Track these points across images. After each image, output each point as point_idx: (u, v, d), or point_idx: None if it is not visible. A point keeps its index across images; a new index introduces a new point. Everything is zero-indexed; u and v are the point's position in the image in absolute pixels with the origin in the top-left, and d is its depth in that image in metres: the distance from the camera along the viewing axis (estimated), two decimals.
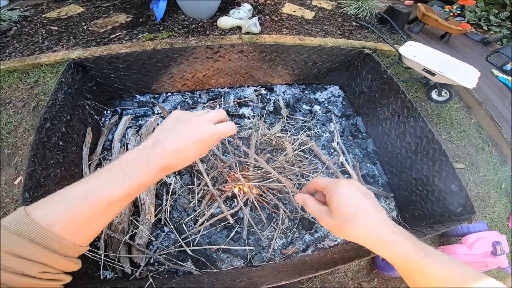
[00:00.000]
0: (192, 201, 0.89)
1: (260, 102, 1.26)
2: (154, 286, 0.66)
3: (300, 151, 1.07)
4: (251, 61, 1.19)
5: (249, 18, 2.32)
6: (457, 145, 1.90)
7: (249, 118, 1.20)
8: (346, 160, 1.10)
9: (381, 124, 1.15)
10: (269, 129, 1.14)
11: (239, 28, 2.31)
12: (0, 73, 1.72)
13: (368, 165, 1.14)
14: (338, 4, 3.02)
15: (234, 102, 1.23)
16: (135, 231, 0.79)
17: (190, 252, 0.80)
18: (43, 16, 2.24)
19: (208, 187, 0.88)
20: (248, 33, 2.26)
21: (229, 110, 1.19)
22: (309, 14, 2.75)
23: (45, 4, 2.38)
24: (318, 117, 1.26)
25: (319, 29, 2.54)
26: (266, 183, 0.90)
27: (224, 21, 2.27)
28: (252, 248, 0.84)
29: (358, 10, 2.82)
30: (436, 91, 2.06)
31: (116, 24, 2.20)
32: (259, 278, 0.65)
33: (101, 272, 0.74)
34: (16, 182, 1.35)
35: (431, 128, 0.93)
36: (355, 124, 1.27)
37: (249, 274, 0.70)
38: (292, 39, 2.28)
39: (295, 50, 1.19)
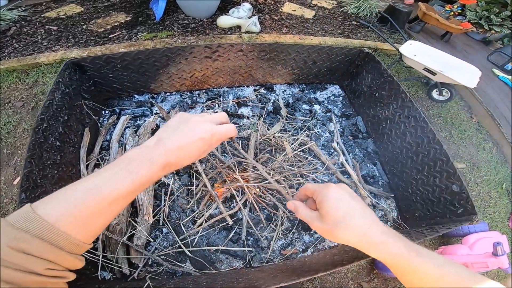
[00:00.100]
0: (190, 202, 0.89)
1: (260, 102, 1.26)
2: (152, 287, 0.66)
3: (299, 151, 1.06)
4: (250, 61, 1.19)
5: (249, 17, 2.31)
6: (458, 144, 1.89)
7: (248, 118, 1.19)
8: (346, 160, 1.09)
9: (381, 124, 1.15)
10: (268, 129, 1.13)
11: (239, 27, 2.30)
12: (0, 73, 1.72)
13: (368, 165, 1.14)
14: (339, 3, 3.01)
15: (233, 101, 1.23)
16: (133, 232, 0.79)
17: (188, 253, 0.80)
18: (42, 15, 2.23)
19: (206, 187, 0.88)
20: (248, 32, 2.25)
21: (228, 109, 1.18)
22: (309, 13, 2.74)
23: (44, 3, 2.37)
24: (318, 117, 1.25)
25: (319, 28, 2.54)
26: (266, 183, 0.89)
27: (224, 20, 2.26)
28: (251, 249, 0.83)
29: (358, 9, 2.81)
30: (436, 91, 2.05)
31: (116, 24, 2.20)
32: (258, 279, 0.65)
33: (99, 273, 0.74)
34: (15, 182, 1.35)
35: (432, 128, 0.92)
36: (355, 124, 1.26)
37: (248, 276, 0.70)
38: (292, 38, 2.27)
39: (295, 49, 1.19)
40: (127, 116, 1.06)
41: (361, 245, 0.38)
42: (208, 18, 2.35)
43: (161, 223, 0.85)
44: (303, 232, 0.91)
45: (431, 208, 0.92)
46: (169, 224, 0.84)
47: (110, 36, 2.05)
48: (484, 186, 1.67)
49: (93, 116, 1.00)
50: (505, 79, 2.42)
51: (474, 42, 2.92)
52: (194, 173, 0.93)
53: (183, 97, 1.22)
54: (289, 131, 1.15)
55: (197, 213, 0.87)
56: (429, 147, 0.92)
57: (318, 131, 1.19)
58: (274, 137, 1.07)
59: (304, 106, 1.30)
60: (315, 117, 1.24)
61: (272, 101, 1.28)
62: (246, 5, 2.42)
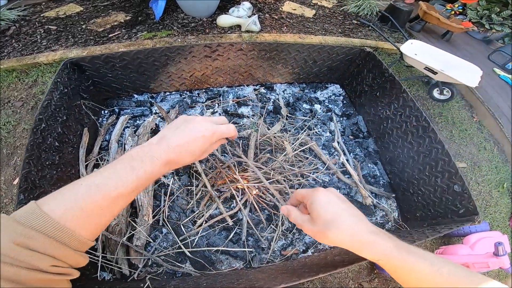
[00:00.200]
0: (190, 202, 0.88)
1: (260, 101, 1.25)
2: None
3: (300, 151, 1.06)
4: (250, 60, 1.18)
5: (249, 17, 2.30)
6: (459, 144, 1.88)
7: (248, 117, 1.18)
8: (347, 160, 1.08)
9: (382, 123, 1.14)
10: (268, 129, 1.12)
11: (239, 26, 2.29)
12: None
13: (369, 165, 1.13)
14: (339, 2, 3.00)
15: (233, 101, 1.22)
16: (133, 232, 0.79)
17: (188, 254, 0.79)
18: (41, 15, 2.23)
19: (206, 188, 0.87)
20: (248, 31, 2.24)
21: (228, 109, 1.18)
22: (309, 12, 2.73)
23: (43, 3, 2.37)
24: (319, 116, 1.25)
25: (320, 27, 2.53)
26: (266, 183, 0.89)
27: (224, 20, 2.25)
28: (251, 249, 0.83)
29: (359, 8, 2.80)
30: (437, 90, 2.04)
31: (115, 23, 2.19)
32: (258, 280, 0.64)
33: (99, 273, 0.74)
34: (15, 182, 1.34)
35: (434, 128, 0.91)
36: (356, 124, 1.26)
37: (248, 276, 0.69)
38: (292, 37, 2.26)
39: (295, 48, 1.18)
40: (127, 116, 1.06)
41: (351, 245, 0.39)
42: (208, 17, 2.34)
43: (160, 224, 0.84)
44: (304, 232, 0.90)
45: (432, 208, 0.91)
46: (169, 225, 0.83)
47: (109, 36, 2.04)
48: (485, 185, 1.67)
49: (92, 116, 1.00)
50: (506, 78, 2.41)
51: (475, 41, 2.91)
52: (194, 174, 0.93)
53: (183, 96, 1.22)
54: (289, 131, 1.15)
55: (197, 213, 0.87)
56: (431, 147, 0.92)
57: (318, 131, 1.19)
58: (274, 136, 1.06)
59: (305, 105, 1.29)
60: (316, 117, 1.24)
61: (272, 100, 1.27)
62: (246, 4, 2.41)
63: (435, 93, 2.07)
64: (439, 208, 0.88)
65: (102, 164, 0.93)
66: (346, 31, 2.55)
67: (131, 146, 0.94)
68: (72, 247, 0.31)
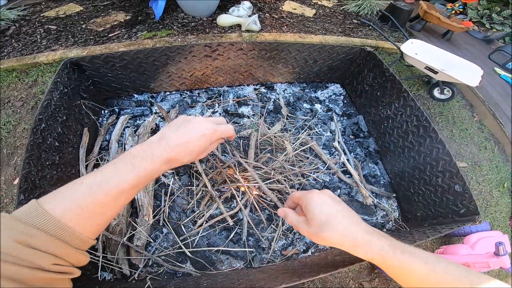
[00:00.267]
0: (191, 202, 0.88)
1: (260, 101, 1.25)
2: None
3: (300, 150, 1.06)
4: (250, 59, 1.18)
5: (249, 16, 2.30)
6: (460, 143, 1.88)
7: (248, 117, 1.18)
8: (348, 159, 1.08)
9: (383, 123, 1.14)
10: (269, 129, 1.12)
11: (239, 26, 2.29)
12: None
13: (370, 164, 1.13)
14: (339, 2, 3.00)
15: (233, 101, 1.22)
16: (133, 232, 0.78)
17: (189, 254, 0.79)
18: (41, 15, 2.22)
19: (207, 187, 0.87)
20: (248, 31, 2.24)
21: (229, 109, 1.18)
22: (309, 12, 2.73)
23: (43, 3, 2.36)
24: (319, 116, 1.24)
25: (320, 27, 2.52)
26: (266, 183, 0.89)
27: (224, 19, 2.25)
28: (252, 249, 0.83)
29: (359, 8, 2.79)
30: (438, 89, 2.04)
31: (115, 23, 2.19)
32: (259, 280, 0.64)
33: (99, 274, 0.74)
34: (15, 182, 1.34)
35: (435, 127, 0.91)
36: (356, 123, 1.25)
37: (248, 276, 0.69)
38: (292, 37, 2.26)
39: (296, 48, 1.17)
40: (127, 115, 1.06)
41: (346, 245, 0.39)
42: (208, 17, 2.34)
43: (161, 224, 0.84)
44: None
45: (433, 208, 0.91)
46: (169, 225, 0.83)
47: (109, 35, 2.04)
48: (486, 185, 1.67)
49: (92, 116, 1.00)
50: (506, 77, 2.40)
51: (475, 40, 2.90)
52: (194, 173, 0.93)
53: (183, 96, 1.22)
54: (290, 131, 1.14)
55: (197, 213, 0.87)
56: (432, 147, 0.91)
57: (319, 131, 1.18)
58: (274, 136, 1.06)
59: (305, 105, 1.29)
60: (316, 116, 1.24)
61: (272, 100, 1.27)
62: (246, 4, 2.41)
63: (436, 92, 2.07)
64: (440, 208, 0.88)
65: (102, 164, 0.93)
66: (346, 31, 2.54)
67: (131, 146, 0.94)
68: (73, 246, 0.31)
